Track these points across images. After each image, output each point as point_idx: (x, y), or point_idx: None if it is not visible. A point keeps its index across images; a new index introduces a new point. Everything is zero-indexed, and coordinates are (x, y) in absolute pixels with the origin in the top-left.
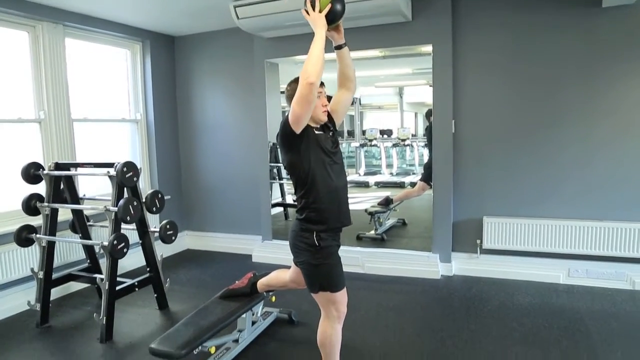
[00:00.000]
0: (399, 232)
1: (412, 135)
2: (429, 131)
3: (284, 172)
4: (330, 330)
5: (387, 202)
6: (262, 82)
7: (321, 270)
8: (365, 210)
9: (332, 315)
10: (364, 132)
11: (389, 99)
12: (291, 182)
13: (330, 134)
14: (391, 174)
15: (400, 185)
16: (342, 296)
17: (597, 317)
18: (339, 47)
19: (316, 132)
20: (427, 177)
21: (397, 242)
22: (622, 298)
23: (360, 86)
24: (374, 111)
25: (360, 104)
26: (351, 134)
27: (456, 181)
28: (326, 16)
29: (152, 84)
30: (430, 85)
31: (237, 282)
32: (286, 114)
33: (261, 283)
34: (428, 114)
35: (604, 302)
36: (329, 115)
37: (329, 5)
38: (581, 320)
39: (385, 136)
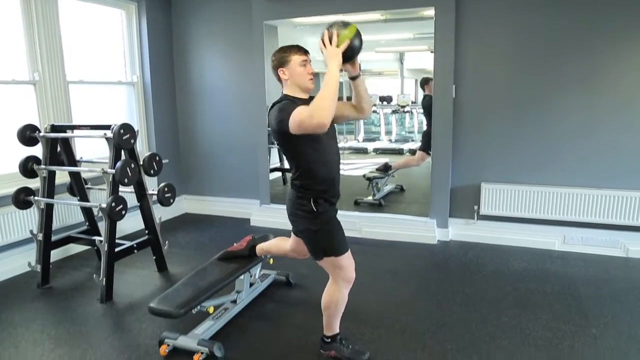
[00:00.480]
0: (396, 198)
1: (412, 102)
2: (425, 101)
3: None
4: (338, 295)
5: (385, 168)
6: (261, 45)
7: (322, 236)
8: (364, 176)
9: (341, 280)
10: None
11: (389, 65)
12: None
13: None
14: (390, 140)
15: (399, 152)
16: (347, 260)
17: (590, 282)
18: (352, 78)
19: None
20: (425, 146)
21: (395, 207)
22: (616, 265)
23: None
24: (374, 77)
25: (360, 69)
26: (350, 99)
27: (455, 147)
28: (344, 52)
29: (149, 46)
30: (432, 52)
31: (235, 244)
32: (283, 109)
33: (261, 248)
34: (423, 83)
35: (597, 269)
36: None
37: (347, 42)
38: (574, 286)
39: (384, 103)
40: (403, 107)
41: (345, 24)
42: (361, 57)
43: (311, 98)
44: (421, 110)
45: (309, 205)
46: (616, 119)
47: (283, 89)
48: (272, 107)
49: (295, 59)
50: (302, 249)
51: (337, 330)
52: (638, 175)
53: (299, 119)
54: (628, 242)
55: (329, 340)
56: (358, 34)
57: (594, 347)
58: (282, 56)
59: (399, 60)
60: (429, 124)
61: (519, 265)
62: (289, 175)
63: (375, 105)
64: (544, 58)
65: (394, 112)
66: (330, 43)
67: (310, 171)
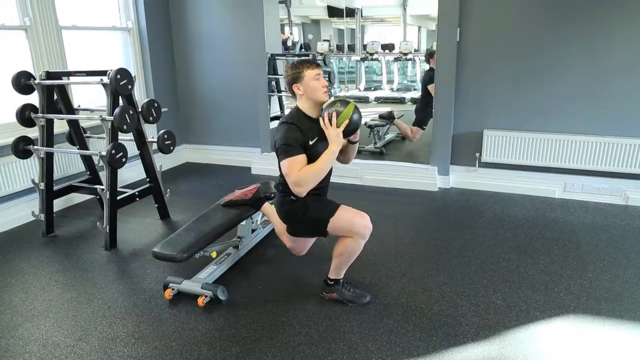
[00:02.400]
0: (397, 146)
1: (415, 50)
2: (427, 75)
3: (282, 85)
4: (354, 244)
5: (390, 116)
6: None
7: (310, 213)
8: (365, 124)
9: (357, 235)
10: (364, 46)
11: (391, 11)
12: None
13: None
14: (392, 89)
15: (401, 101)
16: (348, 214)
17: (589, 229)
18: (350, 142)
19: (311, 142)
20: (420, 122)
21: (396, 155)
22: (615, 212)
23: None
24: (376, 24)
25: (361, 16)
26: (351, 48)
27: (458, 93)
28: (344, 129)
29: None
30: None
31: (237, 191)
32: (286, 142)
33: (267, 210)
34: (428, 57)
35: (597, 216)
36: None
37: (347, 121)
38: (573, 232)
39: (386, 50)
40: (405, 54)
41: (343, 103)
42: (363, 3)
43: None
44: (424, 58)
45: (289, 197)
46: (623, 68)
47: (297, 102)
48: (281, 122)
49: (309, 73)
50: (294, 247)
51: (342, 276)
52: None
53: (286, 172)
54: (628, 189)
55: (332, 283)
56: (356, 110)
57: (589, 290)
58: (296, 72)
59: (402, 6)
60: (424, 100)
61: (519, 212)
62: None
63: (377, 53)
64: (554, 5)
65: (396, 59)
66: (331, 123)
67: None
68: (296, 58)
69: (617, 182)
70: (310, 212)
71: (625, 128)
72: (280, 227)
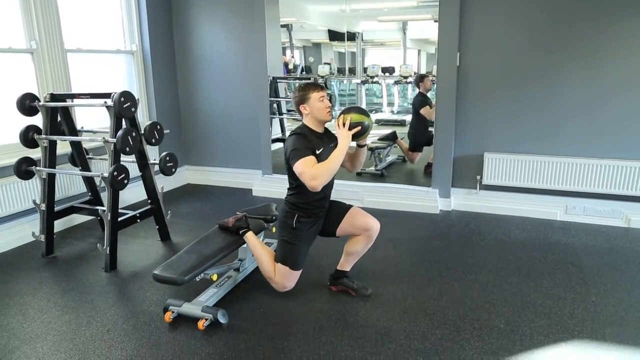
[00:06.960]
0: (398, 168)
1: (414, 73)
2: (417, 99)
3: (284, 107)
4: (366, 241)
5: (393, 137)
6: (262, 15)
7: (288, 248)
8: (365, 146)
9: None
10: (365, 69)
11: (391, 35)
12: (294, 116)
13: (332, 145)
14: (392, 112)
15: (401, 124)
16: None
17: (591, 252)
18: (359, 145)
19: (317, 152)
20: (414, 147)
21: (397, 177)
22: (617, 235)
23: (362, 20)
24: (376, 48)
25: (362, 39)
26: (352, 70)
27: (459, 116)
28: (354, 134)
29: (147, 14)
30: (436, 21)
31: (230, 218)
32: (296, 147)
33: (249, 240)
34: (417, 81)
35: (599, 239)
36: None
37: (358, 127)
38: (575, 255)
39: (387, 74)
40: (405, 77)
41: (359, 111)
42: (364, 27)
43: (327, 137)
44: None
45: (291, 221)
46: (621, 91)
47: (303, 120)
48: (291, 134)
49: (314, 95)
50: (285, 278)
51: (349, 269)
52: None
53: (300, 171)
54: (630, 212)
55: (339, 275)
56: (367, 117)
57: (593, 313)
58: (303, 94)
59: (402, 30)
60: (415, 125)
61: (521, 235)
62: None
63: (377, 76)
64: (551, 27)
65: (396, 82)
66: (344, 126)
67: (306, 194)
68: (297, 81)
69: (618, 205)
70: (293, 248)
71: (625, 151)
72: (267, 259)
